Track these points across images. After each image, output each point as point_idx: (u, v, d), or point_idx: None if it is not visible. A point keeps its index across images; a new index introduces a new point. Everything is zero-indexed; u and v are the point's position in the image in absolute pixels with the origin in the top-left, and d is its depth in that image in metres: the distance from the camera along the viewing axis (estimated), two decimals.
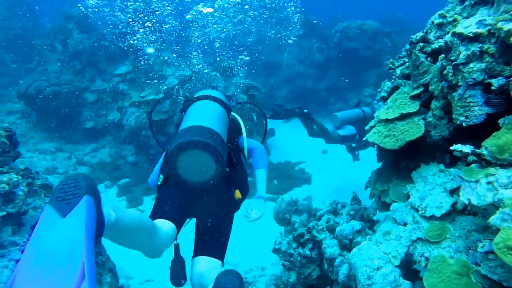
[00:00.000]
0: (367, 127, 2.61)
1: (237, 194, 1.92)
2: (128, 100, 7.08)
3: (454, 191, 1.75)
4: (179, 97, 6.77)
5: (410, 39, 2.22)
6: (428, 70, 1.98)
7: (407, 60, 2.40)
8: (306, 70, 12.35)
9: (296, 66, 12.62)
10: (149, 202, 5.79)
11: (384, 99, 2.74)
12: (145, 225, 1.41)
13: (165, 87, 6.82)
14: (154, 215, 1.76)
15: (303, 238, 2.89)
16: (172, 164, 1.66)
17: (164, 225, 1.66)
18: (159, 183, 1.89)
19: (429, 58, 2.05)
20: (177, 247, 1.86)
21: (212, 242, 1.74)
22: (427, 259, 1.68)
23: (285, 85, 12.78)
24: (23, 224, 2.11)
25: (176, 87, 6.85)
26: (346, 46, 11.24)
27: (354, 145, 5.81)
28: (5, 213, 1.93)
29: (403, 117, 2.06)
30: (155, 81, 7.08)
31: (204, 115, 1.83)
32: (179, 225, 1.79)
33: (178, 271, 1.84)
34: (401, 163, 2.27)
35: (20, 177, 2.18)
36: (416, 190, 1.96)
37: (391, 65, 2.56)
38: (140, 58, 7.41)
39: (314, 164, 7.89)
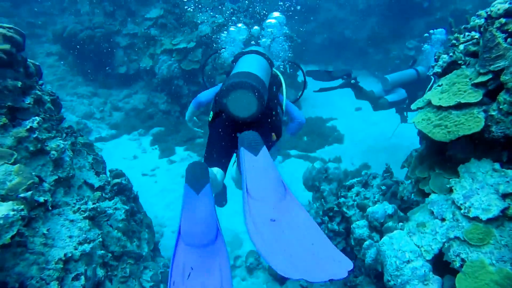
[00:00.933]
0: (413, 106, 2.42)
1: (274, 136, 2.16)
2: (160, 47, 6.95)
3: (507, 196, 1.64)
4: (213, 46, 6.55)
5: (488, 11, 1.89)
6: (504, 55, 1.72)
7: (477, 36, 2.09)
8: (346, 16, 11.34)
9: (335, 11, 11.60)
10: (180, 153, 6.00)
11: (438, 76, 2.48)
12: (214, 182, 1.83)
13: (197, 35, 6.57)
14: (209, 159, 2.12)
15: (332, 211, 2.91)
16: (223, 100, 1.95)
17: (219, 173, 2.05)
18: (209, 119, 2.19)
19: (509, 39, 1.75)
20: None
21: None
22: (463, 260, 1.66)
23: (322, 31, 11.92)
24: (72, 185, 2.27)
25: (209, 34, 6.58)
26: None
27: (404, 105, 5.46)
28: (56, 177, 2.07)
29: (460, 106, 1.87)
30: (186, 27, 6.82)
31: (251, 64, 2.12)
32: (227, 162, 2.17)
33: (221, 195, 2.56)
34: (447, 151, 2.13)
35: (66, 142, 2.29)
36: (462, 186, 1.85)
37: (454, 41, 2.25)
38: (171, 1, 7.07)
39: (346, 122, 7.67)
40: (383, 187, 3.21)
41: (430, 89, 5.21)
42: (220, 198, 2.57)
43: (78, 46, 7.41)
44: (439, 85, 2.21)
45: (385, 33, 10.64)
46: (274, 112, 2.16)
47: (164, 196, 4.85)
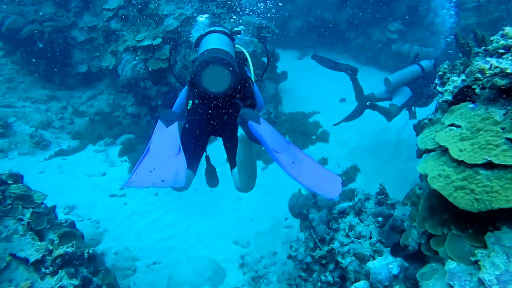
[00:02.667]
0: (421, 144, 2.02)
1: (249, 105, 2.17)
2: (123, 44, 6.18)
3: None
4: (182, 43, 5.86)
5: None
6: None
7: (510, 70, 1.63)
8: None
9: None
10: None
11: (448, 104, 2.07)
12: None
13: (163, 30, 5.85)
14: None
15: (325, 259, 2.53)
16: (197, 80, 1.98)
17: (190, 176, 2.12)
18: (188, 108, 2.15)
19: None
20: (207, 158, 2.43)
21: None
22: None
23: (300, 15, 11.27)
24: None
25: (177, 29, 5.87)
26: None
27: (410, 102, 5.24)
28: None
29: (491, 165, 1.47)
30: (151, 20, 6.07)
31: (217, 42, 2.15)
32: (205, 145, 2.27)
33: (211, 176, 2.50)
34: None
35: None
36: (493, 264, 1.48)
37: (477, 74, 1.79)
38: None
39: (330, 116, 7.25)
40: (380, 219, 2.86)
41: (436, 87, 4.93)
42: (213, 179, 2.58)
43: (21, 43, 6.48)
44: (454, 125, 1.79)
45: (366, 15, 10.14)
46: (247, 84, 2.18)
47: (135, 221, 4.35)
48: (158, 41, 5.79)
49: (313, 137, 6.46)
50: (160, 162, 1.65)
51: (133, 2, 6.33)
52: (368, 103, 5.26)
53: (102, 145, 5.79)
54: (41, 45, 6.51)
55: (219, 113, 2.08)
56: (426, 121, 2.77)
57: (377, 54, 9.84)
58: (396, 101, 5.03)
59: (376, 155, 6.01)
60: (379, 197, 3.30)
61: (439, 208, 1.90)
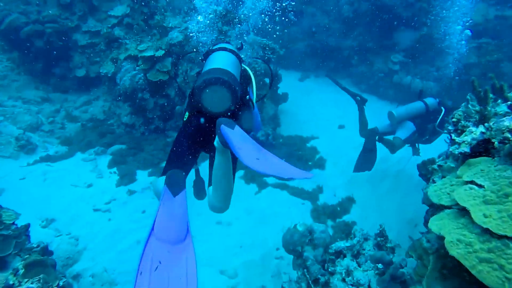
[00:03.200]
0: (434, 198, 1.87)
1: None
2: (124, 52, 6.05)
3: None
4: (184, 55, 5.75)
5: None
6: None
7: None
8: (330, 23, 10.81)
9: (319, 17, 11.04)
10: (142, 179, 5.21)
11: (463, 156, 1.94)
12: None
13: (167, 42, 5.74)
14: (172, 162, 2.10)
15: None
16: (197, 97, 1.97)
17: None
18: (184, 119, 2.17)
19: None
20: (197, 171, 2.43)
21: None
22: None
23: (304, 37, 11.36)
24: None
25: (181, 43, 5.77)
26: (382, 0, 9.60)
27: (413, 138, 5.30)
28: None
29: None
30: (155, 31, 5.96)
31: (222, 60, 2.14)
32: (194, 158, 2.21)
33: (199, 189, 2.41)
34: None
35: None
36: None
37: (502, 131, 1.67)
38: None
39: (328, 142, 7.16)
40: (380, 265, 2.67)
41: (440, 122, 4.97)
42: (200, 192, 2.53)
43: (20, 42, 6.31)
44: (475, 183, 1.64)
45: (369, 44, 10.24)
46: (246, 106, 2.19)
47: (118, 240, 4.08)
48: (160, 52, 5.67)
49: (310, 163, 6.31)
50: (166, 252, 1.43)
51: (138, 10, 6.24)
52: (377, 137, 5.28)
53: (92, 153, 5.55)
54: (40, 45, 6.34)
55: (211, 131, 2.04)
56: (435, 166, 2.63)
57: (378, 83, 9.89)
58: (400, 134, 5.03)
59: (374, 187, 5.86)
60: (378, 239, 3.13)
61: (454, 273, 1.73)
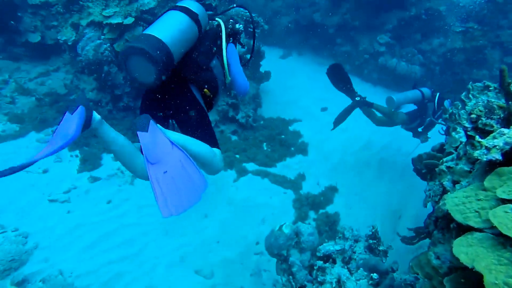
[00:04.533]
0: (458, 216, 1.55)
1: (206, 91, 2.04)
2: (86, 17, 5.25)
3: None
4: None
5: None
6: None
7: None
8: None
9: None
10: (108, 164, 4.65)
11: (492, 165, 1.62)
12: (125, 149, 1.82)
13: (137, 8, 5.01)
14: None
15: None
16: (126, 69, 1.85)
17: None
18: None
19: None
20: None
21: (193, 136, 1.93)
22: None
23: (288, 11, 10.73)
24: None
25: (153, 10, 5.06)
26: None
27: (420, 129, 5.35)
28: None
29: None
30: None
31: (159, 25, 1.91)
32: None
33: None
34: None
35: None
36: None
37: None
38: None
39: (311, 125, 6.82)
40: (375, 275, 2.40)
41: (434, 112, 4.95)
42: None
43: None
44: None
45: (356, 22, 9.79)
46: (205, 67, 2.02)
47: (78, 236, 3.59)
48: (130, 20, 4.94)
49: (292, 148, 5.96)
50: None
51: None
52: (357, 98, 5.21)
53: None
54: None
55: (167, 97, 1.97)
56: (443, 167, 2.32)
57: (363, 64, 9.56)
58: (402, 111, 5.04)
59: (358, 174, 5.65)
60: (370, 241, 2.86)
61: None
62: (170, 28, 1.87)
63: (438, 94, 5.06)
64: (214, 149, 1.96)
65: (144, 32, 1.85)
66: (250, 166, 5.33)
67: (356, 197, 5.19)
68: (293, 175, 5.33)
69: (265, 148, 5.80)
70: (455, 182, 2.07)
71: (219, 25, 2.20)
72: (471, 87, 3.54)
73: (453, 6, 8.94)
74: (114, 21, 4.95)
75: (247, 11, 2.48)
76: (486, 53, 8.75)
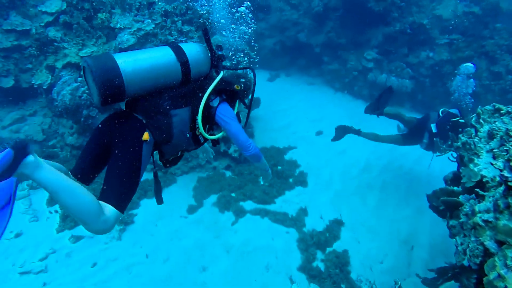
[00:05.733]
0: None
1: (145, 135, 1.72)
2: (63, 59, 4.93)
3: None
4: None
5: None
6: None
7: None
8: (300, 18, 10.16)
9: (288, 12, 10.35)
10: None
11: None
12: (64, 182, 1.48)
13: (115, 46, 4.72)
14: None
15: None
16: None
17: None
18: None
19: None
20: (155, 174, 1.98)
21: (107, 183, 1.66)
22: None
23: (273, 33, 10.64)
24: None
25: (133, 47, 4.77)
26: None
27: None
28: None
29: None
30: (100, 33, 4.90)
31: (134, 52, 1.79)
32: (100, 157, 1.83)
33: (157, 193, 1.99)
34: None
35: None
36: None
37: None
38: None
39: (308, 152, 6.53)
40: None
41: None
42: (159, 196, 2.04)
43: None
44: None
45: (342, 40, 9.73)
46: (162, 110, 1.80)
47: None
48: None
49: (290, 179, 5.62)
50: None
51: (78, 6, 5.12)
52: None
53: (25, 188, 4.43)
54: None
55: (116, 124, 1.77)
56: (478, 220, 2.00)
57: (352, 81, 9.43)
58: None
59: (361, 200, 5.33)
60: None
61: None
62: (140, 58, 1.73)
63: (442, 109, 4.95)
64: (108, 208, 1.57)
65: (111, 53, 1.73)
66: (248, 204, 4.95)
67: (363, 228, 4.83)
68: (294, 211, 4.97)
69: (261, 183, 5.44)
70: (500, 243, 1.75)
71: (215, 78, 1.98)
72: (481, 111, 3.30)
73: (436, 19, 8.98)
74: None
75: (252, 77, 2.24)
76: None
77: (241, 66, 2.17)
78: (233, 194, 5.08)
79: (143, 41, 4.79)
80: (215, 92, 1.95)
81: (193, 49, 1.91)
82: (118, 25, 4.80)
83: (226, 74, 2.06)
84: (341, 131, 5.68)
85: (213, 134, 2.05)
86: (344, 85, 9.57)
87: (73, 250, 3.76)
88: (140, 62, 1.70)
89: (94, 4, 5.18)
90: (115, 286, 3.45)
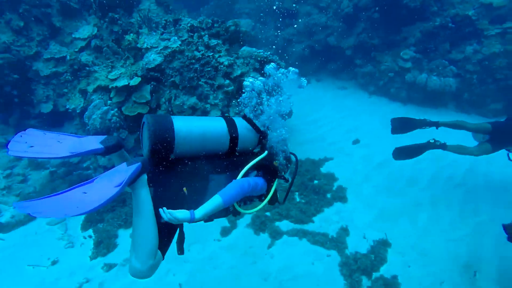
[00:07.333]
0: None
1: (184, 190, 1.80)
2: (93, 82, 4.97)
3: None
4: (165, 81, 4.68)
5: None
6: None
7: None
8: (328, 21, 9.76)
9: (316, 16, 10.00)
10: (127, 243, 4.13)
11: None
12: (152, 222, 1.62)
13: (142, 67, 4.66)
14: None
15: None
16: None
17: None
18: None
19: None
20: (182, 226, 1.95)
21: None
22: None
23: (301, 38, 10.32)
24: None
25: (160, 66, 4.69)
26: None
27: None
28: None
29: None
30: (128, 54, 4.88)
31: (190, 117, 1.96)
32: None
33: (180, 244, 1.90)
34: None
35: None
36: None
37: None
38: (108, 15, 5.08)
39: (345, 164, 6.10)
40: None
41: None
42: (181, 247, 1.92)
43: None
44: None
45: (375, 41, 9.19)
46: (201, 172, 1.86)
47: None
48: (136, 80, 4.59)
49: (328, 195, 5.24)
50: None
51: (107, 29, 5.16)
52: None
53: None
54: None
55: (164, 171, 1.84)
56: None
57: (388, 84, 8.83)
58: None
59: (409, 218, 4.80)
60: None
61: None
62: (194, 125, 1.87)
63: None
64: (159, 254, 1.65)
65: (170, 115, 1.89)
66: (284, 225, 4.64)
67: (413, 251, 4.33)
68: (335, 231, 4.58)
69: (298, 200, 5.11)
70: None
71: (259, 154, 2.08)
72: None
73: (483, 9, 8.14)
74: (120, 83, 4.61)
75: (294, 159, 2.29)
76: None
77: (286, 150, 2.24)
78: (268, 214, 4.80)
79: (169, 59, 4.70)
80: (255, 167, 2.00)
81: (244, 126, 2.05)
82: (145, 45, 4.75)
83: (269, 152, 2.13)
84: (405, 125, 5.13)
85: (246, 208, 2.04)
86: (379, 88, 9.00)
87: (106, 279, 3.67)
88: (193, 128, 1.83)
89: (123, 25, 5.20)
90: None
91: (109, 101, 4.67)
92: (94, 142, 1.65)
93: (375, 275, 4.00)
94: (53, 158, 1.51)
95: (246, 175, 1.95)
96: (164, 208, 1.64)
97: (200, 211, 1.68)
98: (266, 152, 2.07)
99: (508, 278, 3.80)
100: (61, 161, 5.52)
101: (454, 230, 4.61)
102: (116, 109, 4.62)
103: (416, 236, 4.56)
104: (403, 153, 5.02)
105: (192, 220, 1.66)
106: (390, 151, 5.93)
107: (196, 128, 1.84)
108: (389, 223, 4.75)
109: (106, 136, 1.69)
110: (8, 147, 1.54)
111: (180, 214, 1.63)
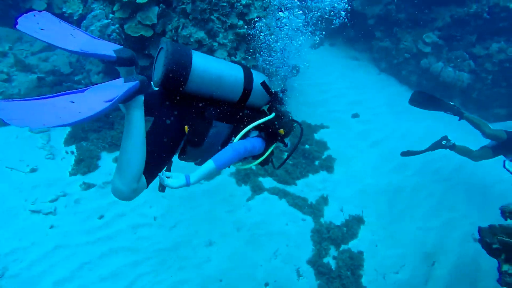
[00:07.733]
0: None
1: (186, 128, 1.77)
2: None
3: None
4: (176, 7, 4.28)
5: None
6: None
7: None
8: None
9: None
10: (106, 166, 4.05)
11: None
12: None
13: None
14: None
15: None
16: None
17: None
18: None
19: None
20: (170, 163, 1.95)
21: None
22: None
23: None
24: None
25: None
26: None
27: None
28: None
29: None
30: None
31: (210, 57, 1.85)
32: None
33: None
34: None
35: None
36: None
37: None
38: None
39: (339, 135, 6.03)
40: None
41: None
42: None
43: None
44: None
45: (401, 15, 8.64)
46: (206, 120, 1.81)
47: (56, 263, 3.04)
48: None
49: (316, 162, 5.23)
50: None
51: None
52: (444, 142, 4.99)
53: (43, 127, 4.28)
54: None
55: (167, 102, 1.80)
56: None
57: (402, 64, 8.50)
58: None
59: (388, 202, 4.90)
60: None
61: None
62: (213, 66, 1.79)
63: None
64: (143, 179, 1.59)
65: (191, 49, 1.80)
66: (267, 181, 4.66)
67: (384, 232, 4.49)
68: (315, 198, 4.65)
69: (289, 162, 5.09)
70: None
71: (266, 114, 2.03)
72: None
73: None
74: None
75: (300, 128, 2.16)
76: None
77: (291, 117, 2.15)
78: (253, 167, 4.78)
79: None
80: (258, 127, 1.94)
81: (259, 78, 1.96)
82: None
83: (276, 115, 2.05)
84: (428, 102, 4.90)
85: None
86: (391, 66, 8.68)
87: (83, 198, 3.65)
88: (211, 69, 1.76)
89: None
90: (118, 245, 3.34)
91: (111, 15, 4.27)
92: (108, 48, 1.51)
93: (343, 247, 4.16)
94: (61, 49, 1.37)
95: (247, 133, 1.90)
96: (165, 171, 1.67)
97: (194, 176, 1.70)
98: (273, 114, 2.00)
99: (460, 272, 4.03)
100: (51, 68, 5.19)
101: (427, 220, 4.77)
102: (117, 26, 4.25)
103: (390, 218, 4.69)
104: (412, 154, 5.05)
105: (187, 185, 1.68)
106: (387, 132, 5.86)
107: (214, 69, 1.77)
108: (368, 201, 4.85)
109: (121, 47, 1.52)
110: (18, 21, 1.37)
111: (177, 181, 1.65)
